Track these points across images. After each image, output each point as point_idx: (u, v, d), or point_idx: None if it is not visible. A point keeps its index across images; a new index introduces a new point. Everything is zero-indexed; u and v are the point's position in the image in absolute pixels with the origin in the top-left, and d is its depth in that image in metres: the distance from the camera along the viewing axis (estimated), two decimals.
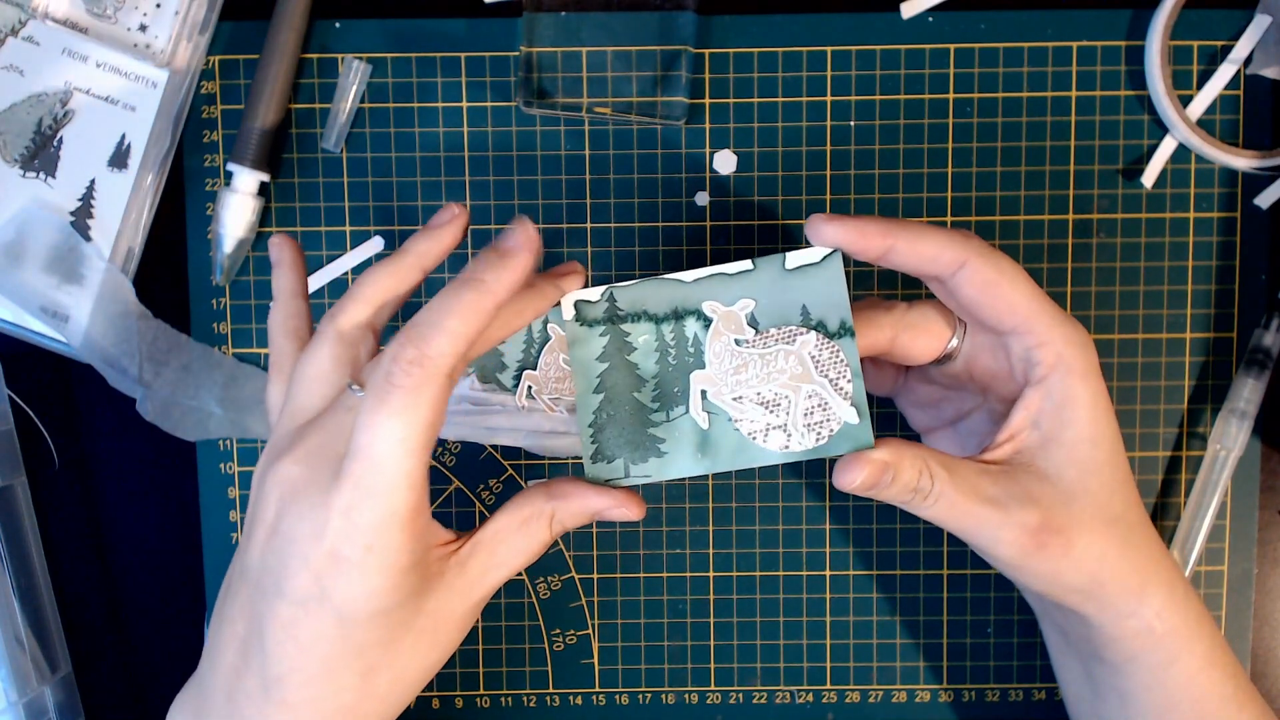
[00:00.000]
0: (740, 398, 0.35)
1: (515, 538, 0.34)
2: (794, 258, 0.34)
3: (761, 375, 0.35)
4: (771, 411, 0.35)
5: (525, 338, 0.46)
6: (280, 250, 0.38)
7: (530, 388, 0.46)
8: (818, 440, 0.34)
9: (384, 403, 0.30)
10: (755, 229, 0.46)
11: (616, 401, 0.36)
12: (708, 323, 0.35)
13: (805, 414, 0.34)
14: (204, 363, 0.45)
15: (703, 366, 0.35)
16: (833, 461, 0.38)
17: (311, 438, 0.32)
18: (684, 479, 0.36)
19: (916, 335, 0.37)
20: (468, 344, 0.32)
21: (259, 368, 0.46)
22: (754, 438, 0.35)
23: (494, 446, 0.47)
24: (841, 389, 0.34)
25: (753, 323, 0.35)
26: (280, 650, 0.32)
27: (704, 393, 0.35)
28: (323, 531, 0.31)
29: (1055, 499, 0.35)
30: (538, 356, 0.46)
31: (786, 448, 0.34)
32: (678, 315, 0.35)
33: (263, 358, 0.46)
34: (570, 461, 0.46)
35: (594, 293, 0.35)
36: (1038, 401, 0.35)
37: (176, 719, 0.34)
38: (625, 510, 0.35)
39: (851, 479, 0.33)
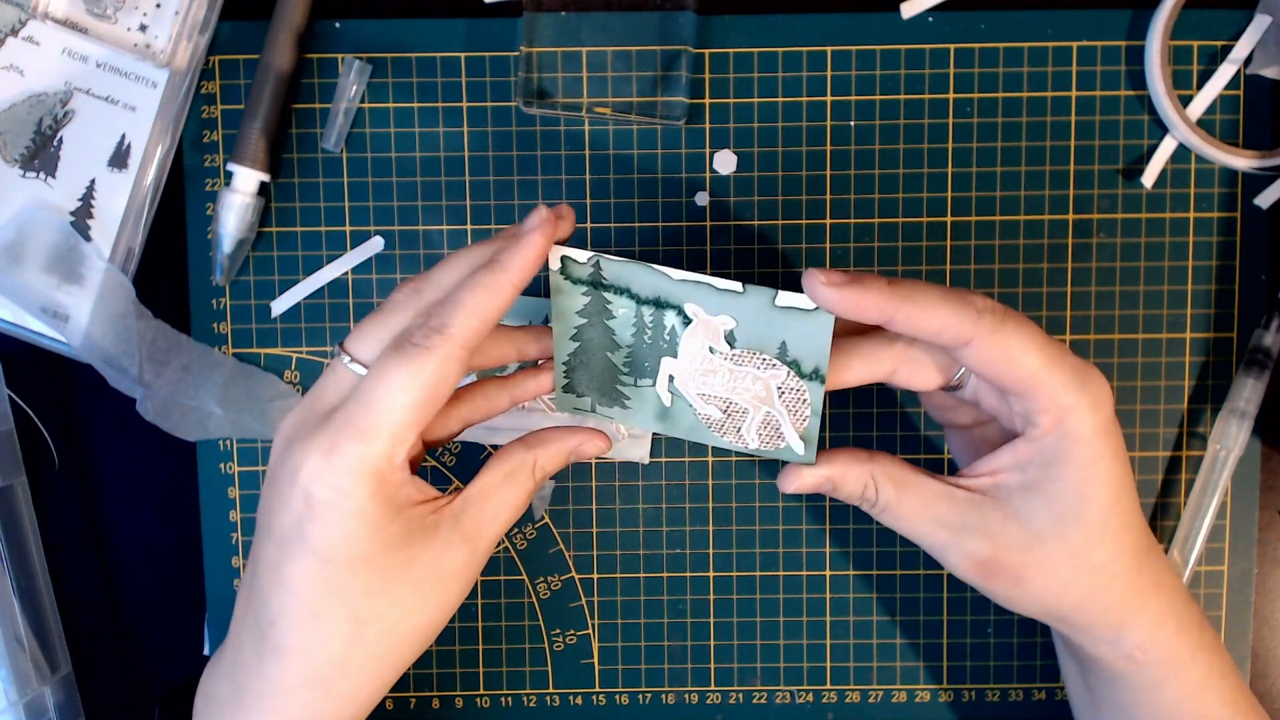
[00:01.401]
0: (704, 395, 0.36)
1: (503, 491, 0.36)
2: (785, 298, 0.34)
3: (727, 385, 0.36)
4: (729, 415, 0.37)
5: None
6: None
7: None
8: (764, 446, 0.37)
9: (398, 356, 0.32)
10: (755, 229, 0.46)
11: (591, 353, 0.37)
12: (687, 321, 0.35)
13: (759, 429, 0.36)
14: (204, 363, 0.45)
15: (675, 356, 0.36)
16: None
17: (314, 393, 0.34)
18: (644, 431, 0.38)
19: (917, 370, 0.36)
20: (486, 323, 0.33)
21: (259, 368, 0.46)
22: (709, 427, 0.37)
23: (494, 446, 0.47)
24: (798, 423, 0.36)
25: (730, 339, 0.35)
26: (270, 593, 0.33)
27: (671, 378, 0.37)
28: (302, 470, 0.32)
29: (1016, 539, 0.35)
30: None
31: (736, 444, 0.37)
32: (659, 304, 0.36)
33: (263, 357, 0.46)
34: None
35: (582, 255, 0.35)
36: (1027, 454, 0.35)
37: (207, 674, 0.36)
38: (597, 442, 0.37)
39: (786, 488, 0.36)
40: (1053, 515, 0.35)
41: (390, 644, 0.34)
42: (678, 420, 0.37)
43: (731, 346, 0.35)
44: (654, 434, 0.46)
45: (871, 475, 0.36)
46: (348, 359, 0.34)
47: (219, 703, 0.35)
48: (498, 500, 0.35)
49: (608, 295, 0.36)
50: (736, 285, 0.34)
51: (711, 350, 0.36)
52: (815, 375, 0.35)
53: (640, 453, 0.46)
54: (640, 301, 0.36)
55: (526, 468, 0.36)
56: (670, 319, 0.36)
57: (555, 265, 0.36)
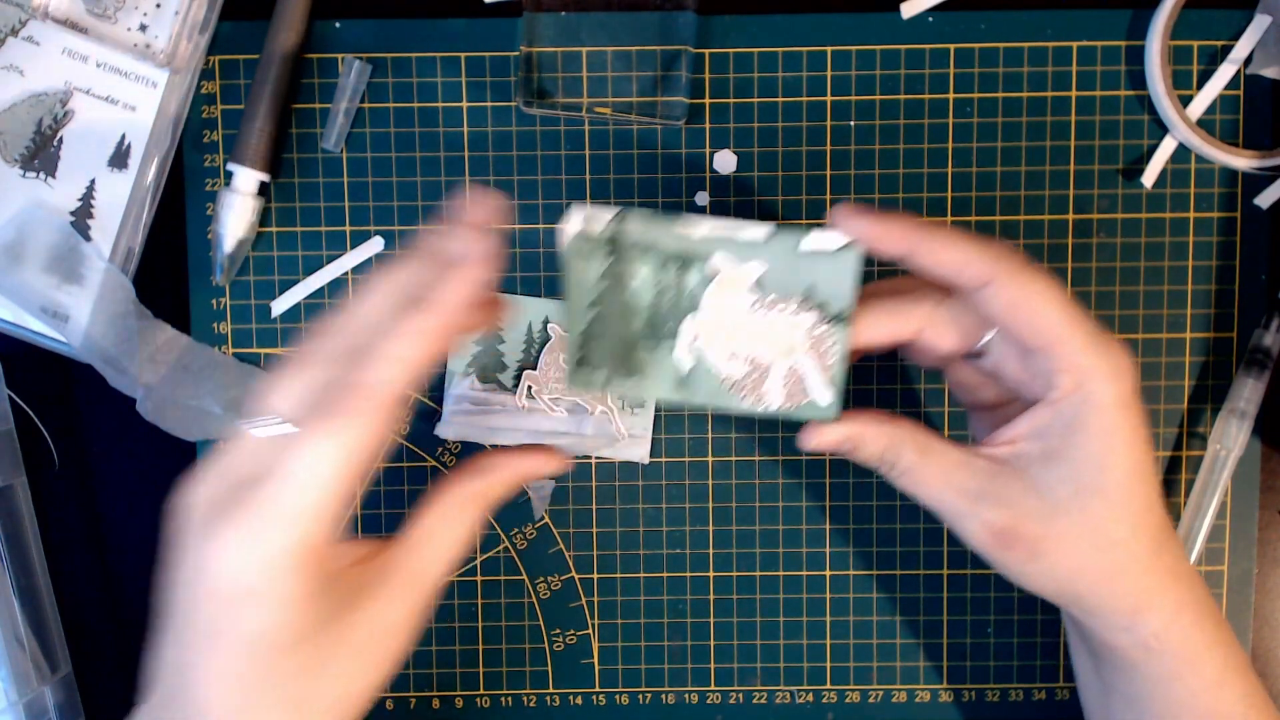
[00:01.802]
0: (729, 351, 0.35)
1: (444, 532, 0.33)
2: (813, 239, 0.34)
3: (752, 335, 0.35)
4: (751, 372, 0.36)
5: (525, 338, 0.46)
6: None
7: (530, 388, 0.46)
8: (788, 409, 0.36)
9: (321, 421, 0.29)
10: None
11: (608, 320, 0.36)
12: (711, 276, 0.35)
13: (783, 381, 0.35)
14: (204, 362, 0.45)
15: (696, 311, 0.35)
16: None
17: (226, 461, 0.31)
18: (658, 401, 0.37)
19: (944, 332, 0.36)
20: (416, 371, 0.30)
21: (258, 367, 0.46)
22: (730, 389, 0.36)
23: (494, 446, 0.47)
24: (825, 370, 0.35)
25: (757, 287, 0.35)
26: (192, 690, 0.30)
27: (695, 337, 0.35)
28: (220, 559, 0.30)
29: (1035, 509, 0.34)
30: (538, 356, 0.46)
31: (758, 405, 0.36)
32: (683, 260, 0.35)
33: (263, 358, 0.46)
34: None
35: (604, 213, 0.34)
36: (1046, 419, 0.34)
37: None
38: (550, 463, 0.36)
39: (806, 443, 0.36)
40: (1072, 486, 0.34)
41: (342, 710, 0.32)
42: (697, 386, 0.36)
43: (758, 295, 0.35)
44: (657, 431, 0.46)
45: (892, 438, 0.35)
46: (263, 420, 0.31)
47: None
48: (439, 542, 0.33)
49: (629, 256, 0.35)
50: (761, 233, 0.34)
51: (738, 301, 0.35)
52: (841, 318, 0.35)
53: (640, 453, 0.46)
54: (663, 259, 0.35)
55: (472, 500, 0.34)
56: (694, 275, 0.35)
57: (575, 228, 0.34)
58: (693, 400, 0.36)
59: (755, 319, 0.35)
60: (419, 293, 0.30)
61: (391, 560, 0.32)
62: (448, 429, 0.46)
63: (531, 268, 0.46)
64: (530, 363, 0.46)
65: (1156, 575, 0.35)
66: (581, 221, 0.34)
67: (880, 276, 0.45)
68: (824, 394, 0.36)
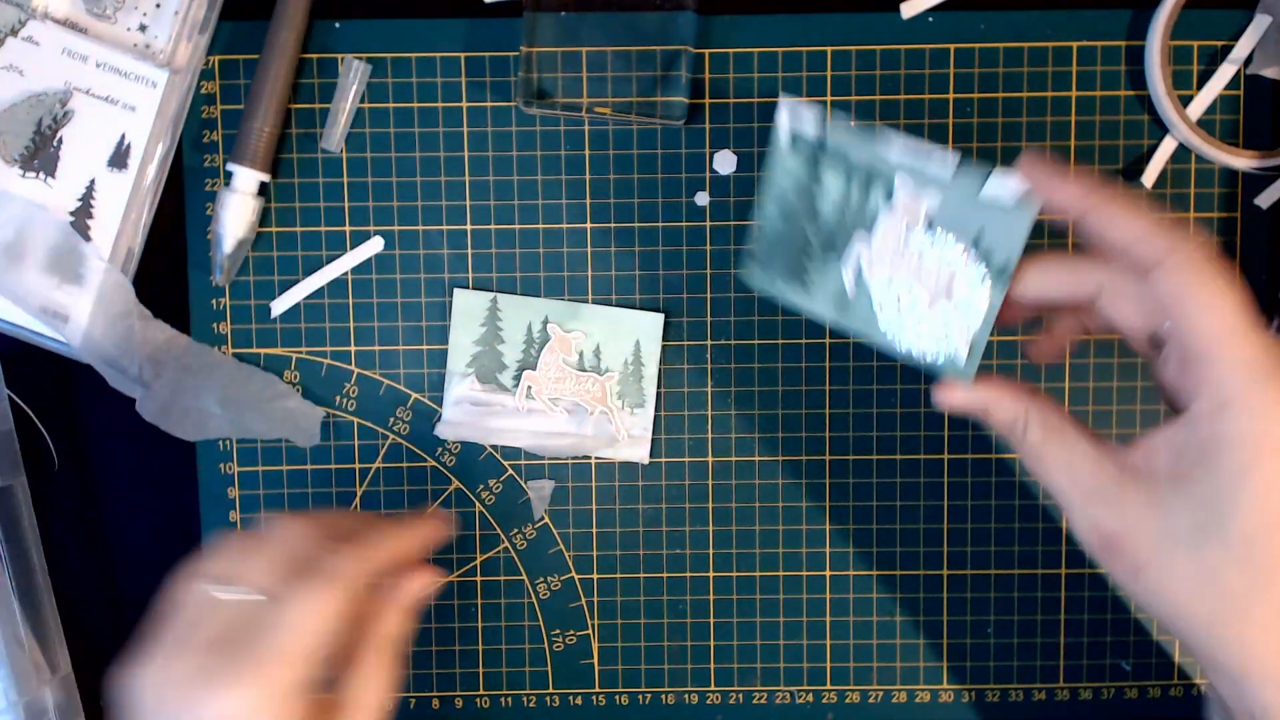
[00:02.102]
0: (889, 279, 0.36)
1: (375, 677, 0.36)
2: (994, 185, 0.34)
3: (914, 269, 0.35)
4: (905, 310, 0.36)
5: (525, 338, 0.46)
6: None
7: (530, 388, 0.46)
8: (928, 356, 0.36)
9: (310, 585, 0.34)
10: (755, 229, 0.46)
11: (789, 223, 0.37)
12: (891, 197, 0.35)
13: (931, 327, 0.35)
14: (204, 362, 0.45)
15: (870, 232, 0.36)
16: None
17: (189, 626, 0.34)
18: (819, 317, 0.38)
19: (1123, 305, 0.33)
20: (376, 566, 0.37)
21: (259, 368, 0.46)
22: (882, 321, 0.36)
23: (494, 447, 0.47)
24: (971, 322, 0.35)
25: (930, 221, 0.35)
26: None
27: (860, 260, 0.36)
28: (212, 710, 0.32)
29: (1149, 530, 0.31)
30: (537, 357, 0.46)
31: (901, 345, 0.36)
32: (869, 176, 0.35)
33: (263, 358, 0.46)
34: (570, 462, 0.46)
35: (812, 120, 0.36)
36: (1182, 437, 0.31)
37: None
38: (421, 578, 0.38)
39: (941, 401, 0.35)
40: (1193, 521, 0.30)
41: None
42: (854, 310, 0.36)
43: (929, 229, 0.35)
44: (657, 432, 0.46)
45: (1025, 411, 0.34)
46: (234, 590, 0.34)
47: None
48: (371, 689, 0.36)
49: (823, 161, 0.36)
50: (949, 167, 0.34)
51: (908, 230, 0.35)
52: (1002, 272, 0.34)
53: (640, 453, 0.46)
54: (852, 172, 0.35)
55: (384, 648, 0.37)
56: (875, 194, 0.35)
57: (784, 123, 0.36)
58: (845, 323, 0.37)
59: (919, 254, 0.35)
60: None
61: (337, 709, 0.35)
62: (447, 430, 0.46)
63: (532, 268, 0.46)
64: (530, 363, 0.46)
65: (1272, 643, 0.30)
66: (791, 119, 0.36)
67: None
68: (964, 348, 0.35)
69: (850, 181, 0.36)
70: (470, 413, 0.46)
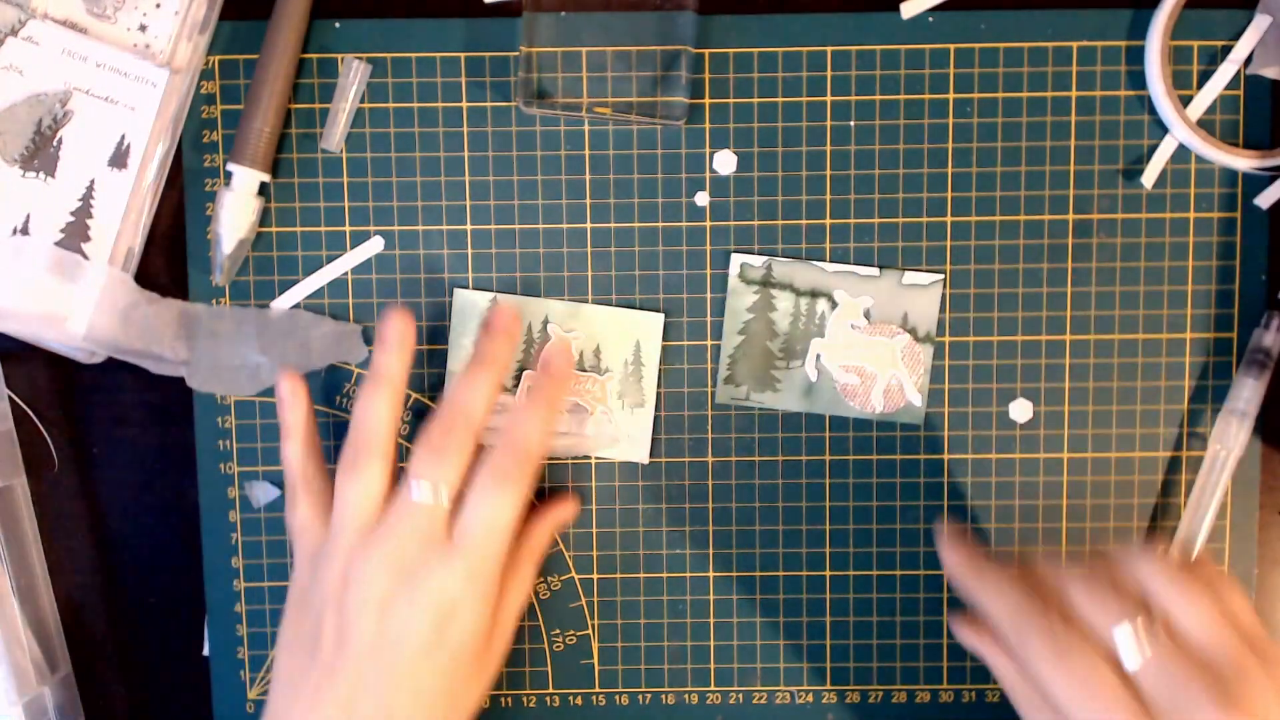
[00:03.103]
0: (845, 365, 0.45)
1: (519, 585, 0.44)
2: (909, 277, 0.45)
3: (863, 354, 0.46)
4: (863, 381, 0.46)
5: (525, 338, 0.46)
6: (293, 389, 0.44)
7: (530, 388, 0.46)
8: (888, 409, 0.46)
9: (503, 486, 0.40)
10: (755, 229, 0.46)
11: (752, 344, 0.45)
12: (834, 305, 0.45)
13: (885, 389, 0.46)
14: (228, 320, 0.45)
15: (823, 336, 0.45)
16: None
17: (406, 527, 0.40)
18: (789, 411, 0.46)
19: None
20: (548, 440, 0.43)
21: (272, 309, 0.46)
22: (846, 396, 0.46)
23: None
24: (916, 380, 0.46)
25: (867, 315, 0.45)
26: (398, 700, 0.39)
27: (819, 356, 0.45)
28: (446, 588, 0.39)
29: None
30: (537, 356, 0.46)
31: (866, 408, 0.46)
32: (814, 294, 0.45)
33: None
34: (570, 462, 0.46)
35: (757, 260, 0.45)
36: None
37: None
38: (571, 508, 0.46)
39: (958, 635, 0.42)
40: None
41: (469, 710, 0.42)
42: (820, 395, 0.46)
43: (868, 320, 0.45)
44: (657, 432, 0.46)
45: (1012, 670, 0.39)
46: (432, 491, 0.40)
47: None
48: (517, 597, 0.44)
49: (773, 291, 0.45)
50: (874, 270, 0.45)
51: (853, 327, 0.45)
52: (928, 338, 0.45)
53: (640, 453, 0.46)
54: (799, 293, 0.45)
55: (530, 561, 0.45)
56: (821, 305, 0.45)
57: (735, 272, 0.45)
58: (814, 408, 0.46)
59: (865, 342, 0.45)
60: (544, 396, 0.44)
61: (498, 610, 0.42)
62: None
63: (532, 268, 0.46)
64: (530, 363, 0.46)
65: None
66: (738, 267, 0.45)
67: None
68: (916, 398, 0.46)
69: (799, 298, 0.45)
70: None
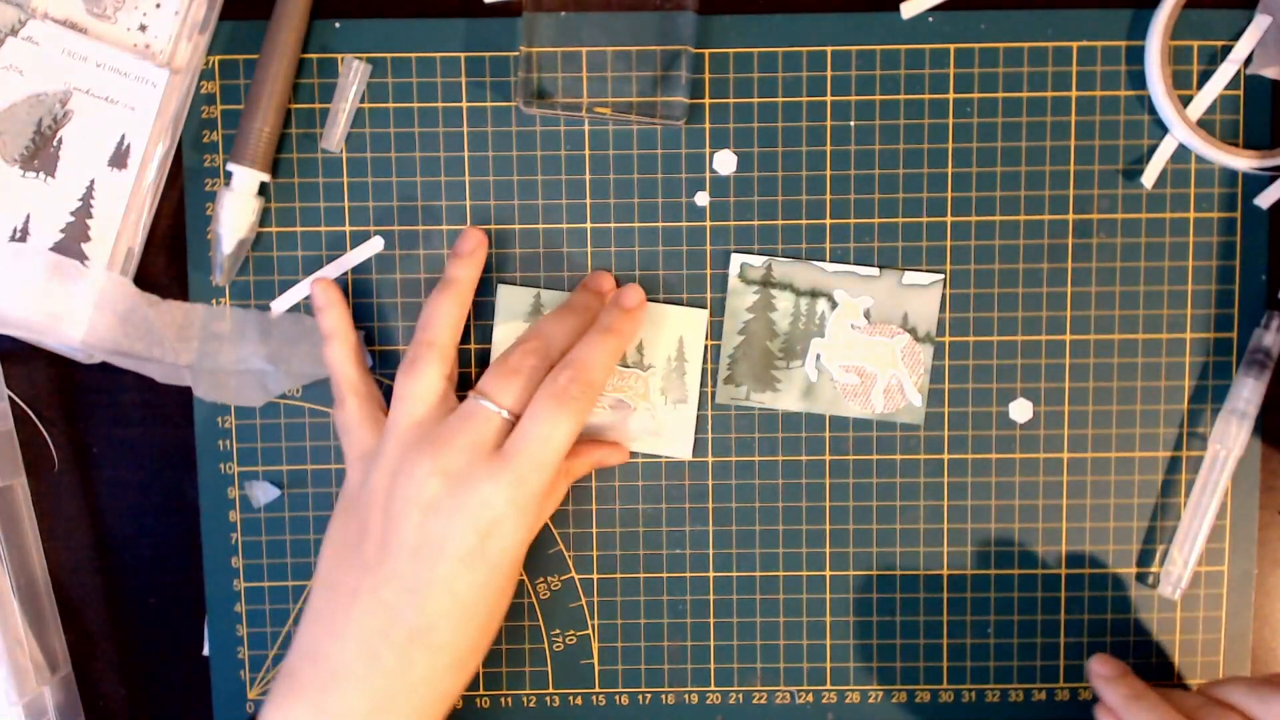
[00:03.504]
0: (845, 365, 0.45)
1: (553, 505, 0.45)
2: (909, 277, 0.45)
3: (863, 354, 0.45)
4: (863, 381, 0.46)
5: None
6: (328, 293, 0.44)
7: (600, 321, 0.46)
8: (888, 409, 0.46)
9: (562, 407, 0.40)
10: (755, 229, 0.46)
11: (752, 344, 0.45)
12: (834, 305, 0.45)
13: (885, 389, 0.46)
14: (231, 324, 0.45)
15: (823, 336, 0.45)
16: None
17: (461, 436, 0.40)
18: (788, 411, 0.46)
19: None
20: (610, 376, 0.43)
21: (269, 312, 0.46)
22: (846, 396, 0.46)
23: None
24: (916, 380, 0.46)
25: (867, 315, 0.45)
26: (434, 603, 0.39)
27: (819, 356, 0.45)
28: (492, 500, 0.39)
29: None
30: None
31: (866, 409, 0.46)
32: (814, 294, 0.45)
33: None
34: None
35: (757, 260, 0.45)
36: None
37: (284, 698, 0.40)
38: (619, 454, 0.46)
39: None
40: None
41: (497, 625, 0.42)
42: (820, 395, 0.46)
43: (868, 320, 0.45)
44: (697, 435, 0.46)
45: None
46: (495, 406, 0.40)
47: (353, 714, 0.39)
48: (547, 510, 0.45)
49: (773, 291, 0.45)
50: (874, 270, 0.45)
51: (853, 327, 0.45)
52: (928, 338, 0.45)
53: (683, 448, 0.46)
54: (799, 293, 0.45)
55: (562, 475, 0.44)
56: (821, 305, 0.45)
57: (736, 271, 0.45)
58: (814, 409, 0.46)
59: (865, 341, 0.45)
60: (610, 325, 0.43)
61: None
62: None
63: (532, 268, 0.46)
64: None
65: None
66: (738, 267, 0.45)
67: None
68: (916, 398, 0.46)
69: (799, 298, 0.45)
70: None
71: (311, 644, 0.40)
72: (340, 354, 0.44)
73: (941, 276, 0.45)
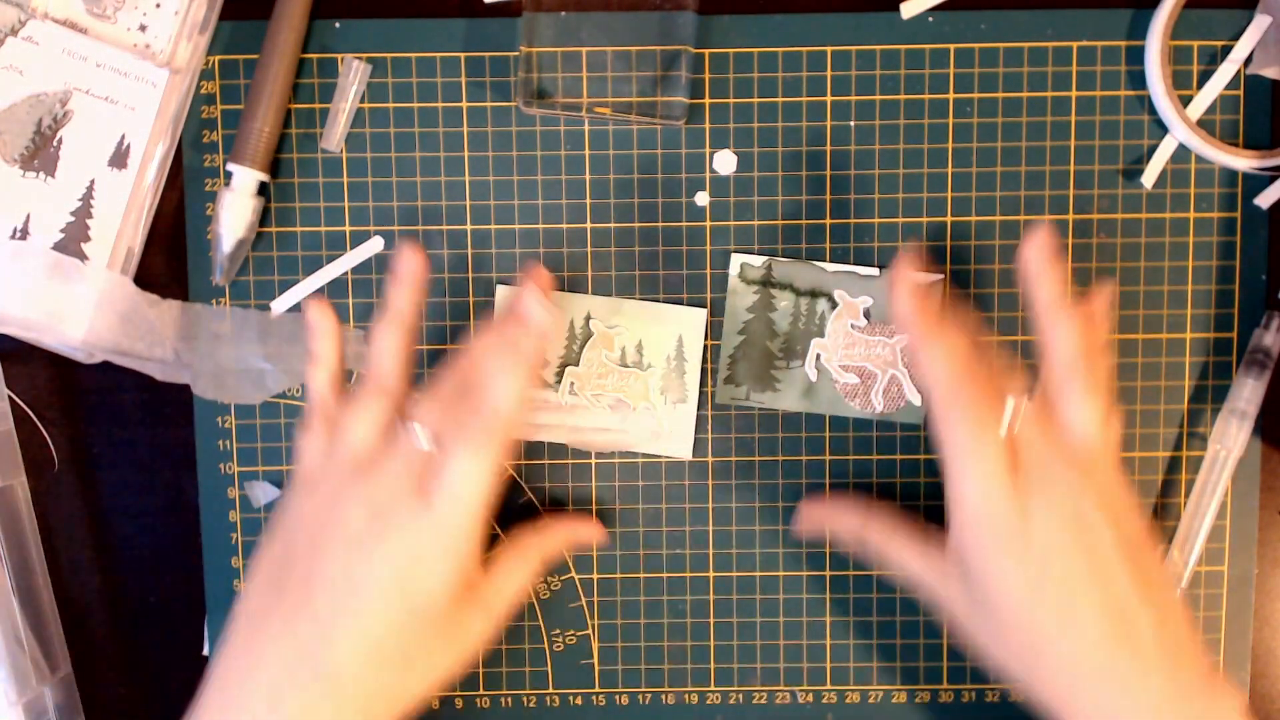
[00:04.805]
0: (845, 365, 0.45)
1: (515, 573, 0.42)
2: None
3: (863, 353, 0.46)
4: (863, 381, 0.46)
5: (568, 335, 0.46)
6: (322, 318, 0.43)
7: (573, 384, 0.46)
8: (888, 409, 0.46)
9: (472, 442, 0.39)
10: (755, 229, 0.46)
11: (752, 344, 0.45)
12: (834, 305, 0.45)
13: (885, 389, 0.46)
14: (231, 322, 0.45)
15: (823, 336, 0.45)
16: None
17: (388, 470, 0.39)
18: (788, 411, 0.46)
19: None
20: (521, 401, 0.40)
21: (269, 311, 0.46)
22: (846, 396, 0.46)
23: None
24: (914, 379, 0.46)
25: (866, 315, 0.45)
26: (346, 643, 0.37)
27: (819, 356, 0.45)
28: (416, 539, 0.38)
29: (959, 602, 0.40)
30: (580, 353, 0.46)
31: (866, 408, 0.46)
32: (814, 294, 0.45)
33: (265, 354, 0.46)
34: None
35: (757, 260, 0.45)
36: (954, 547, 0.40)
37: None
38: (595, 533, 0.45)
39: (797, 530, 0.46)
40: (974, 600, 0.39)
41: (422, 686, 0.39)
42: (820, 395, 0.46)
43: (867, 320, 0.45)
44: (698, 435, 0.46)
45: (862, 525, 0.43)
46: (422, 438, 0.39)
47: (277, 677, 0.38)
48: (511, 578, 0.42)
49: (773, 291, 0.45)
50: (874, 270, 0.45)
51: (853, 326, 0.45)
52: None
53: (683, 448, 0.46)
54: (799, 293, 0.45)
55: (535, 553, 0.43)
56: (821, 305, 0.45)
57: (736, 271, 0.45)
58: (815, 409, 0.46)
59: (865, 341, 0.45)
60: (513, 345, 0.40)
61: (481, 587, 0.41)
62: None
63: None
64: (573, 359, 0.46)
65: (1061, 691, 0.38)
66: (738, 267, 0.45)
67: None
68: (916, 398, 0.46)
69: (799, 298, 0.45)
70: None
71: (223, 674, 0.39)
72: (320, 380, 0.42)
73: (941, 276, 0.45)
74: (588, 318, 0.46)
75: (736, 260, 0.45)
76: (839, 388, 0.46)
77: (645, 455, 0.46)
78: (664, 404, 0.46)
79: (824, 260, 0.45)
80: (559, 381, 0.46)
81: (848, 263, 0.45)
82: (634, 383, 0.46)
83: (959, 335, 0.39)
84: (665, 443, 0.46)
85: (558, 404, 0.46)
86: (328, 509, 0.39)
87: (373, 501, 0.39)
